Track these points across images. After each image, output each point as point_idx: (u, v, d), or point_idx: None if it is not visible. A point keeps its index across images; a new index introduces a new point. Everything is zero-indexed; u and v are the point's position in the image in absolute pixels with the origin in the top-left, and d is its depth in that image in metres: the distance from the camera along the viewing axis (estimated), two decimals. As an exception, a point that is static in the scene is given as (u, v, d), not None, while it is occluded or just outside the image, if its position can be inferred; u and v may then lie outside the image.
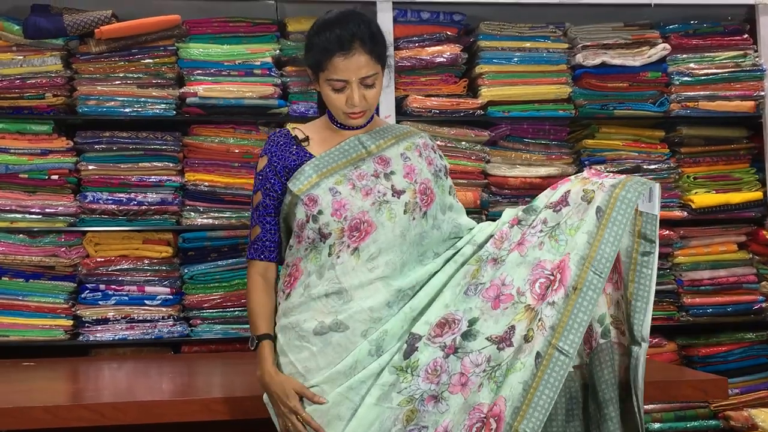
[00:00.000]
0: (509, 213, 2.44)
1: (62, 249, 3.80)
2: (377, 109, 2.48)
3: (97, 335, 3.80)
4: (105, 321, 3.82)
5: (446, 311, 2.28)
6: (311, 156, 2.34)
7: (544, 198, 2.40)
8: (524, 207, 2.42)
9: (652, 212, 2.31)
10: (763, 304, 4.15)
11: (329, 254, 2.27)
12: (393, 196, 2.31)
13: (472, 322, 2.25)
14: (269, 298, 2.37)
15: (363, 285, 2.24)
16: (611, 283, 2.33)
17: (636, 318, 2.27)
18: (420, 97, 4.00)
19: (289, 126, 2.43)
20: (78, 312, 3.81)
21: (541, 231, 2.31)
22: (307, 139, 2.37)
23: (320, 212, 2.27)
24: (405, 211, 2.31)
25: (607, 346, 2.29)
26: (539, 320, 2.20)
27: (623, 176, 2.35)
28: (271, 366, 2.29)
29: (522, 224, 2.37)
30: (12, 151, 3.81)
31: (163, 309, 3.85)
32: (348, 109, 2.29)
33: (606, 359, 2.28)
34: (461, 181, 3.96)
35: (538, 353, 2.17)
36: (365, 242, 2.26)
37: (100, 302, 3.82)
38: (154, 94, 3.88)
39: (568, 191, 2.34)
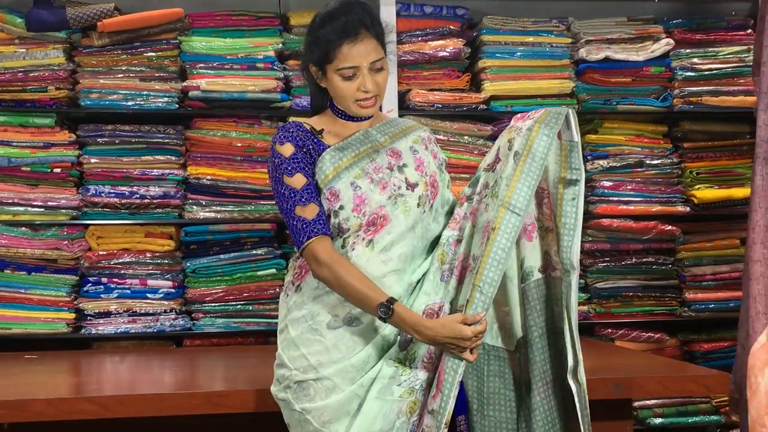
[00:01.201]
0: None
1: (64, 242, 3.80)
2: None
3: (100, 328, 3.80)
4: (107, 314, 3.82)
5: (429, 300, 2.29)
6: (327, 147, 2.33)
7: (482, 164, 2.41)
8: (470, 182, 2.43)
9: (573, 140, 2.32)
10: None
11: (343, 246, 2.27)
12: (407, 189, 2.31)
13: (452, 303, 2.27)
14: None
15: (377, 279, 2.23)
16: (547, 218, 2.35)
17: (565, 247, 2.29)
18: (423, 91, 3.99)
19: (296, 119, 2.38)
20: (80, 305, 3.81)
21: (485, 195, 2.31)
22: (321, 131, 2.35)
23: (341, 207, 2.25)
24: (418, 205, 2.31)
25: (528, 288, 2.31)
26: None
27: (539, 114, 2.33)
28: (423, 319, 2.20)
29: (471, 199, 2.38)
30: (14, 144, 3.81)
31: (165, 302, 3.85)
32: (360, 96, 2.27)
33: (528, 301, 2.31)
34: (463, 175, 3.95)
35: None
36: (379, 234, 2.26)
37: (102, 295, 3.83)
38: (156, 87, 3.87)
39: (499, 147, 2.35)
